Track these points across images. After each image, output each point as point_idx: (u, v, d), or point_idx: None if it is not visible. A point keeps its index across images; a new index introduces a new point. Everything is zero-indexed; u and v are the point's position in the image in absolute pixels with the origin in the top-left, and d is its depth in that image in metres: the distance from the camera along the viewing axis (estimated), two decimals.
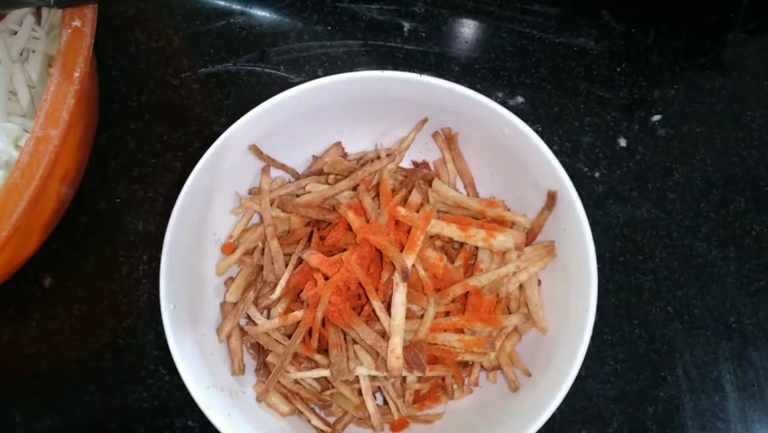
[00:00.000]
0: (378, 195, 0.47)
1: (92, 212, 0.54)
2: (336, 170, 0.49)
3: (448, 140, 0.50)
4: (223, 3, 0.60)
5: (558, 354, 0.43)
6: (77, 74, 0.41)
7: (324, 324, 0.44)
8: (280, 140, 0.48)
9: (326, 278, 0.44)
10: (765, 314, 0.52)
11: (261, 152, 0.48)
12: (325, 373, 0.44)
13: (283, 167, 0.50)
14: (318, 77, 0.46)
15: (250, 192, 0.50)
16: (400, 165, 0.51)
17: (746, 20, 0.59)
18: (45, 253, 0.52)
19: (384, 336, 0.43)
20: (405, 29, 0.59)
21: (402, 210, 0.45)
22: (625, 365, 0.51)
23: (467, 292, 0.45)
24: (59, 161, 0.43)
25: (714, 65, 0.58)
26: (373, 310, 0.43)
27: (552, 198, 0.45)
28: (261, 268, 0.47)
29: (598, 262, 0.42)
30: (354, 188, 0.48)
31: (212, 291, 0.48)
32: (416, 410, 0.47)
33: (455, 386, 0.47)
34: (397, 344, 0.42)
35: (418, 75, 0.45)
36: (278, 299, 0.45)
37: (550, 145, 0.44)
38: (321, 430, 0.46)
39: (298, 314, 0.44)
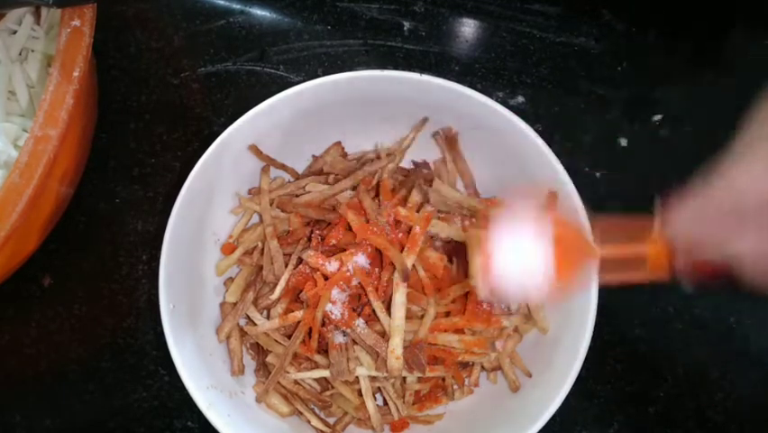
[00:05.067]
0: (378, 195, 0.47)
1: (92, 212, 0.54)
2: (336, 170, 0.49)
3: (448, 140, 0.50)
4: (223, 2, 0.60)
5: (558, 354, 0.43)
6: (76, 74, 0.41)
7: (324, 324, 0.44)
8: (280, 140, 0.48)
9: (326, 278, 0.43)
10: (765, 314, 0.52)
11: (261, 152, 0.48)
12: (325, 373, 0.44)
13: (283, 167, 0.50)
14: (318, 76, 0.45)
15: (250, 192, 0.50)
16: (400, 165, 0.50)
17: (746, 20, 0.59)
18: (44, 252, 0.52)
19: (384, 336, 0.43)
20: (405, 28, 0.59)
21: (402, 210, 0.45)
22: (625, 365, 0.51)
23: (467, 292, 0.45)
24: (59, 161, 0.43)
25: (714, 65, 0.58)
26: (373, 310, 0.43)
27: (552, 198, 0.45)
28: (261, 268, 0.47)
29: None
30: (354, 188, 0.48)
31: (212, 291, 0.48)
32: (416, 411, 0.47)
33: (455, 387, 0.47)
34: (397, 344, 0.42)
35: (418, 74, 0.45)
36: (278, 300, 0.45)
37: (550, 145, 0.44)
38: (321, 431, 0.46)
39: (298, 314, 0.44)
